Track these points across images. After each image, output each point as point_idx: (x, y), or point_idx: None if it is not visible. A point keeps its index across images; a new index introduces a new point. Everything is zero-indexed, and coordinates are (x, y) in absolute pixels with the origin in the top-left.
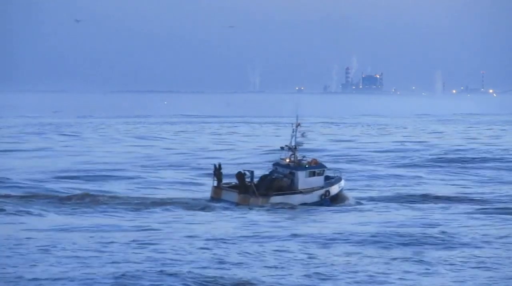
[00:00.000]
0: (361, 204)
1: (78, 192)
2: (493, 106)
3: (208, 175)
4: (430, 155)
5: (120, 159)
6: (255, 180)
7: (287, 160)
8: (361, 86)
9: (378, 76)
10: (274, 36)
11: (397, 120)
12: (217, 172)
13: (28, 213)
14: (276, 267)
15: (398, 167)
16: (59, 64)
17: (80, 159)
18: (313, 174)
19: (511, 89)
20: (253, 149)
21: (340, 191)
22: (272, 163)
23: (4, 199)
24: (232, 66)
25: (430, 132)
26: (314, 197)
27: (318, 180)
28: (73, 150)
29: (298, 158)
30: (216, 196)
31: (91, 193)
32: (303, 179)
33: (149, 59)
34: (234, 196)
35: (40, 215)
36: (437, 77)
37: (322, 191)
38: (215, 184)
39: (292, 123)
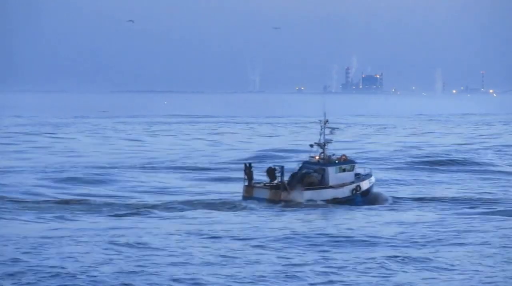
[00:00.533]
0: (397, 203)
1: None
2: (493, 106)
3: (201, 176)
4: (429, 155)
5: (126, 159)
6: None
7: (317, 157)
8: (361, 86)
9: (378, 76)
10: (274, 36)
11: (397, 121)
12: (248, 171)
13: (61, 217)
14: (276, 268)
15: (399, 167)
16: (59, 64)
17: (88, 159)
18: (343, 170)
19: (511, 89)
20: (254, 148)
21: (371, 186)
22: (301, 161)
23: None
24: (232, 66)
25: (429, 133)
26: (345, 191)
27: (348, 176)
28: (81, 150)
29: (328, 155)
30: (248, 194)
31: (103, 196)
32: (333, 175)
33: (149, 59)
34: (265, 193)
35: (59, 218)
36: (437, 77)
37: (353, 186)
38: (246, 183)
39: (320, 121)
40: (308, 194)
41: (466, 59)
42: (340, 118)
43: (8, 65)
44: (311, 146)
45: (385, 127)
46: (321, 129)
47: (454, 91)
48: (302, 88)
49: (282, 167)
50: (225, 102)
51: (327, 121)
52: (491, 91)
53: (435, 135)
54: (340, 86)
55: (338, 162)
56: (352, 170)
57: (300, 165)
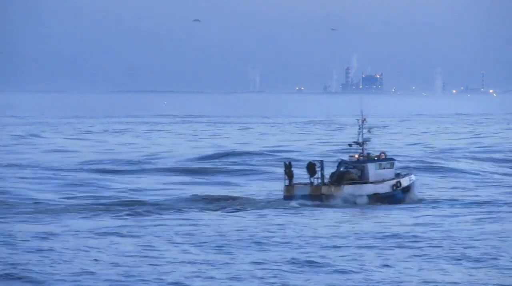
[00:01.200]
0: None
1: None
2: (493, 106)
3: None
4: (429, 155)
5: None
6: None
7: (356, 156)
8: (361, 86)
9: (378, 76)
10: (274, 36)
11: (396, 121)
12: (288, 170)
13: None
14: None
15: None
16: (59, 64)
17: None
18: (382, 167)
19: (511, 89)
20: (255, 148)
21: (411, 183)
22: (340, 159)
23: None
24: (232, 66)
25: (428, 133)
26: (386, 187)
27: (388, 172)
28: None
29: (367, 152)
30: (289, 193)
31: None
32: (373, 171)
33: (150, 59)
34: (306, 189)
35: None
36: (437, 77)
37: (393, 182)
38: (287, 183)
39: (358, 119)
40: (349, 189)
41: (466, 59)
42: (340, 118)
43: (8, 65)
44: (350, 145)
45: (385, 127)
46: (359, 128)
47: (454, 91)
48: (302, 88)
49: (321, 162)
50: (225, 102)
51: (364, 120)
52: (491, 91)
53: (432, 136)
54: (340, 86)
55: (377, 159)
56: (392, 167)
57: (338, 163)
